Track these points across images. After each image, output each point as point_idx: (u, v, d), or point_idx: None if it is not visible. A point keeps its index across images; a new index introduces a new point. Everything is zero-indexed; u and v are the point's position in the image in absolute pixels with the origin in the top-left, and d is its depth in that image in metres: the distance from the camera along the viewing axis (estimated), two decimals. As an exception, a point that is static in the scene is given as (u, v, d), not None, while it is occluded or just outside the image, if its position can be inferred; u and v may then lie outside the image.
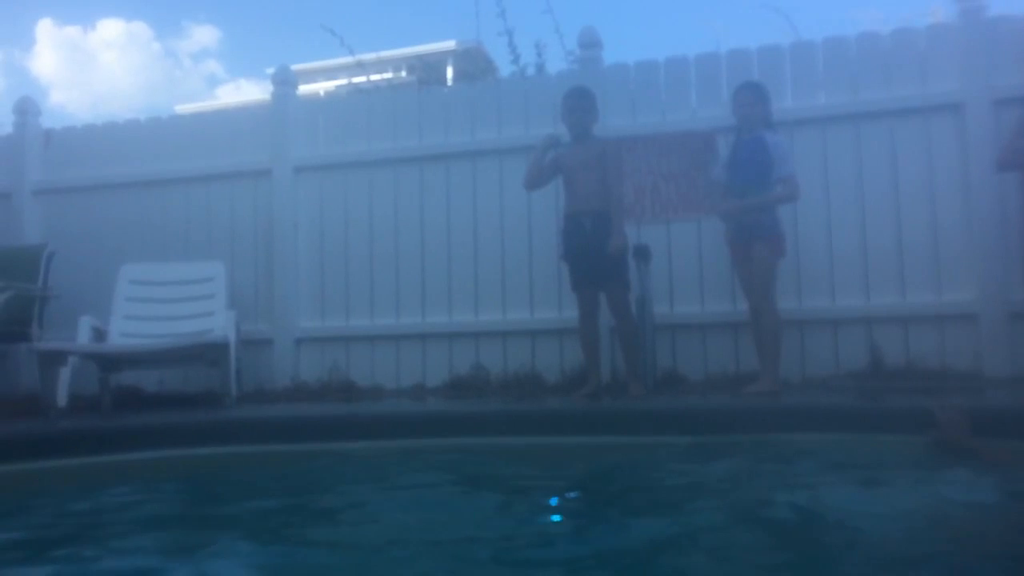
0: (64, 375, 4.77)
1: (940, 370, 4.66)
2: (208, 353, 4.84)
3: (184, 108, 24.36)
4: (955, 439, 2.89)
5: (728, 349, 5.08)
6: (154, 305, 5.44)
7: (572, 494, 2.88)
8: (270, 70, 6.40)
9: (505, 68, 8.41)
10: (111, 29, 67.11)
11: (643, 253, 4.84)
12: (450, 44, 21.62)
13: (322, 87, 19.62)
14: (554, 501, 2.74)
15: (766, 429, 3.25)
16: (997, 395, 4.12)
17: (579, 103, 4.78)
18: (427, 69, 18.47)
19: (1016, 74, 4.43)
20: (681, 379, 5.06)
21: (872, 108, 4.98)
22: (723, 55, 5.32)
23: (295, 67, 6.22)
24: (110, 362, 5.06)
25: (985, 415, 3.12)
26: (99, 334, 5.18)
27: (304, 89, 7.04)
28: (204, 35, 69.75)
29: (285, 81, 6.12)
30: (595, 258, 4.57)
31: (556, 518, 2.60)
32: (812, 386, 4.72)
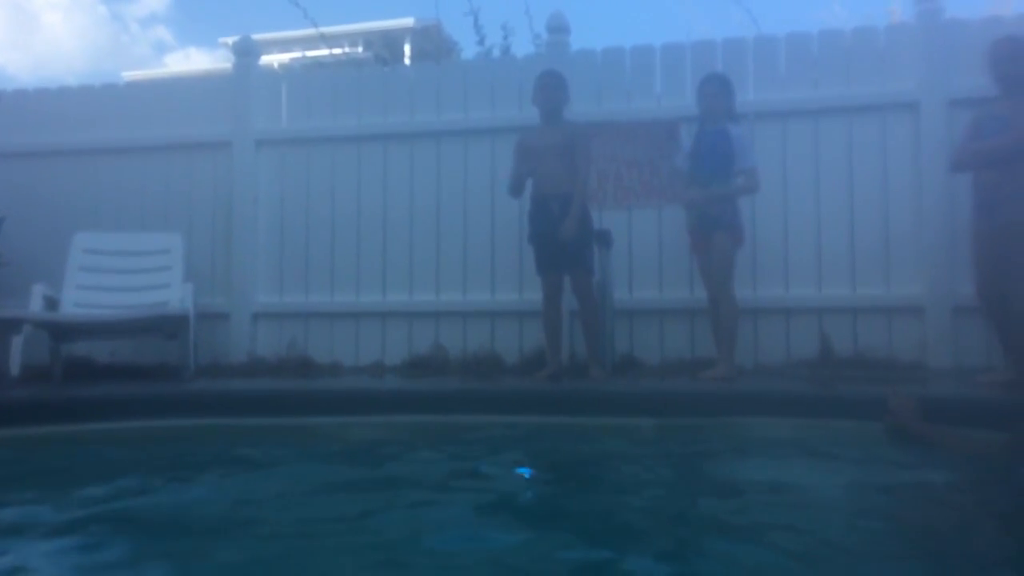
0: (17, 343, 4.67)
1: (887, 360, 4.81)
2: (166, 325, 4.78)
3: (132, 75, 23.75)
4: (906, 424, 3.02)
5: (685, 335, 5.19)
6: (108, 275, 5.35)
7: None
8: (225, 40, 6.33)
9: (470, 49, 8.40)
10: (55, -11, 64.81)
11: (604, 238, 4.91)
12: (408, 21, 21.45)
13: (276, 59, 19.32)
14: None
15: (727, 412, 3.35)
16: (942, 385, 4.30)
17: (551, 81, 4.82)
18: (385, 45, 18.30)
19: (971, 76, 4.57)
20: (638, 363, 5.15)
21: (831, 104, 5.11)
22: (688, 46, 5.40)
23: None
24: (64, 331, 4.96)
25: (932, 403, 3.25)
26: (51, 303, 5.07)
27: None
28: (153, 0, 67.84)
29: (247, 51, 6.03)
30: (561, 242, 4.62)
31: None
32: (765, 373, 4.86)
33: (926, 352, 4.82)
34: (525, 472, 2.82)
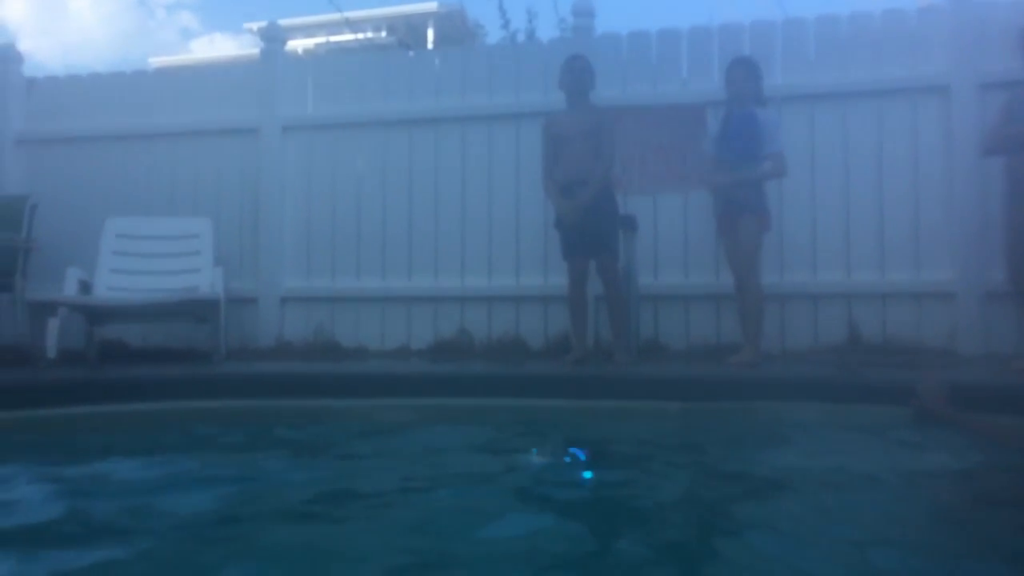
0: (53, 326, 4.75)
1: (916, 347, 4.79)
2: (198, 309, 4.85)
3: (157, 60, 23.92)
4: (934, 409, 3.01)
5: (710, 320, 5.19)
6: (140, 259, 5.42)
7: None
8: (250, 25, 6.37)
9: (494, 33, 8.39)
10: (82, -24, 65.32)
11: (630, 223, 4.91)
12: (432, 6, 21.39)
13: (300, 44, 19.39)
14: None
15: (753, 397, 3.36)
16: (972, 371, 4.26)
17: (578, 65, 4.82)
18: (408, 30, 18.30)
19: (1002, 58, 4.51)
20: (663, 348, 5.16)
21: (860, 87, 5.06)
22: (715, 29, 5.37)
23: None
24: (99, 315, 5.04)
25: (961, 389, 3.23)
26: (84, 286, 5.16)
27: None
28: (178, -14, 68.22)
29: (274, 38, 6.07)
30: (587, 227, 4.62)
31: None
32: (792, 359, 4.84)
33: (956, 338, 4.78)
34: (557, 454, 2.84)
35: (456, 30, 18.75)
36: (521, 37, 7.24)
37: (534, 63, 5.58)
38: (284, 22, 8.11)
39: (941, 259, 4.91)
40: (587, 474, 2.64)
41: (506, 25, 7.38)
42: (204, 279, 5.20)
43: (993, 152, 4.21)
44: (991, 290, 4.67)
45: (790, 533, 1.92)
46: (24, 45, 54.20)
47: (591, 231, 4.64)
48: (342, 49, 8.93)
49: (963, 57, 4.89)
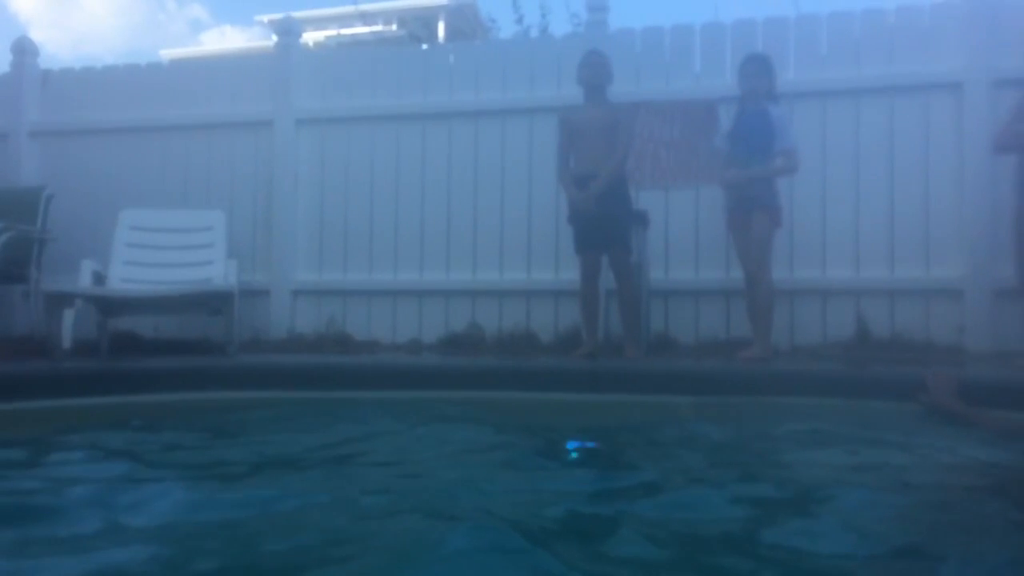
0: (68, 317, 4.80)
1: (924, 343, 4.82)
2: (213, 301, 4.89)
3: (169, 53, 24.01)
4: (943, 403, 3.04)
5: (720, 315, 5.21)
6: (154, 251, 5.46)
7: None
8: (260, 17, 6.43)
9: (507, 28, 8.41)
10: (93, -32, 65.41)
11: (641, 219, 4.93)
12: (443, 0, 21.43)
13: (311, 37, 19.43)
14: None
15: (763, 392, 3.39)
16: (980, 367, 4.28)
17: (596, 59, 4.84)
18: (419, 24, 18.32)
19: (1017, 56, 4.51)
20: (673, 343, 5.18)
21: (873, 84, 5.07)
22: (728, 25, 5.38)
23: (280, 16, 6.18)
24: (113, 306, 5.09)
25: (970, 385, 3.25)
26: (99, 278, 5.20)
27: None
28: (189, -22, 68.31)
29: (288, 31, 6.10)
30: (601, 222, 4.65)
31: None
32: (801, 354, 4.87)
33: (964, 335, 4.80)
34: (569, 446, 2.87)
35: (468, 24, 18.76)
36: (534, 32, 7.26)
37: (548, 58, 5.60)
38: (296, 15, 8.15)
39: (950, 256, 4.92)
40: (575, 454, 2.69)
41: (520, 20, 7.41)
42: (217, 271, 5.24)
43: (1005, 150, 4.22)
44: (1000, 287, 4.68)
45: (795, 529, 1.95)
46: (35, 36, 54.42)
47: (604, 226, 4.66)
48: (354, 42, 8.96)
49: (976, 54, 4.89)
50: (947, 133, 4.95)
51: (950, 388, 3.10)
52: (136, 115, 6.18)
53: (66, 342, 4.74)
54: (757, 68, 4.64)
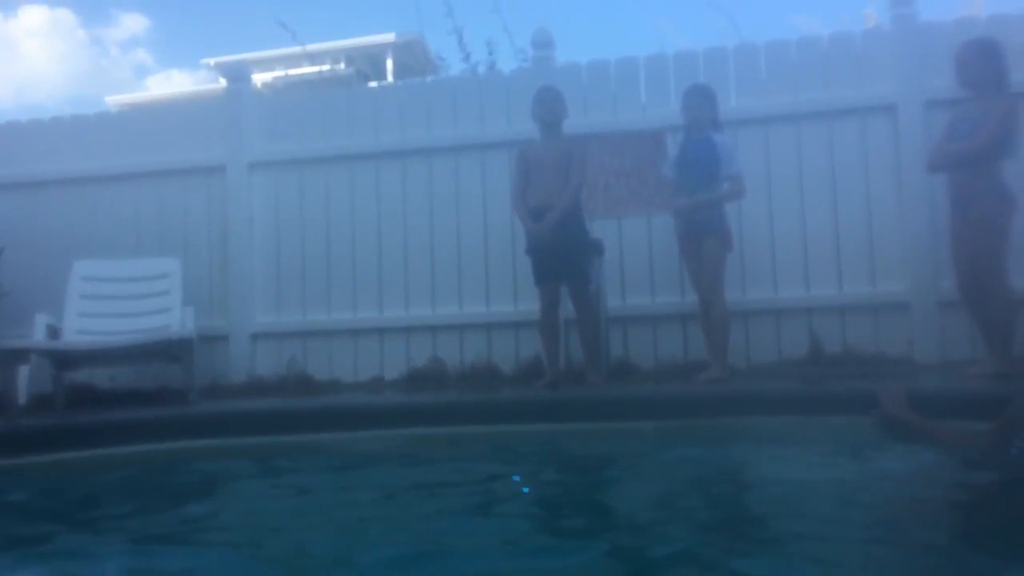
0: (23, 373, 4.73)
1: (875, 357, 4.95)
2: (171, 349, 4.85)
3: (115, 99, 23.73)
4: (895, 416, 3.13)
5: (678, 339, 5.30)
6: (109, 302, 5.41)
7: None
8: (207, 60, 6.43)
9: (455, 65, 8.51)
10: (34, 16, 64.60)
11: (596, 247, 5.01)
12: (389, 37, 21.54)
13: (259, 78, 19.37)
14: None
15: (723, 413, 3.46)
16: (929, 378, 4.41)
17: (550, 95, 4.93)
18: (367, 61, 18.34)
19: (946, 77, 4.68)
20: (633, 368, 5.25)
21: (812, 108, 5.24)
22: (671, 56, 5.53)
23: (227, 59, 6.22)
24: (69, 359, 5.03)
25: (920, 396, 3.36)
26: (53, 331, 5.13)
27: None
28: (132, 23, 67.80)
29: (239, 76, 6.13)
30: (558, 253, 4.72)
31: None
32: (758, 373, 4.96)
33: (913, 347, 4.94)
34: (523, 480, 2.91)
35: (416, 60, 18.88)
36: (482, 69, 7.36)
37: (497, 94, 5.69)
38: (241, 57, 8.17)
39: (895, 271, 5.08)
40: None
41: (467, 58, 7.50)
42: (174, 319, 5.21)
43: (938, 168, 4.38)
44: (943, 299, 4.83)
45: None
46: (-25, 86, 53.49)
47: (562, 257, 4.74)
48: (301, 82, 8.97)
49: (908, 77, 5.09)
50: (885, 153, 5.13)
51: (901, 400, 3.20)
52: (85, 165, 6.13)
53: (21, 398, 4.66)
54: (699, 99, 4.76)
